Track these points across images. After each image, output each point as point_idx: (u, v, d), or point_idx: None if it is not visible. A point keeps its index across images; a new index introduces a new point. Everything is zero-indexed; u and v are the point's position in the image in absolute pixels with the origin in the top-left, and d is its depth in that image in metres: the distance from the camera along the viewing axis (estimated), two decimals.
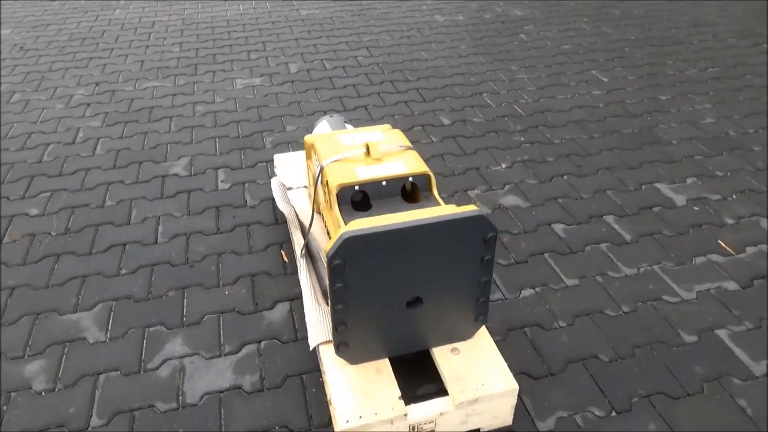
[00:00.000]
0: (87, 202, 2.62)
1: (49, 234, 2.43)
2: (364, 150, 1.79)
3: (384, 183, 1.70)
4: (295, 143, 3.07)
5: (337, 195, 1.67)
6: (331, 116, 2.39)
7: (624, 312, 2.01)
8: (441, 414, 1.52)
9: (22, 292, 2.13)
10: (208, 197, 2.64)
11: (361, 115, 3.36)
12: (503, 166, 2.85)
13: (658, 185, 2.69)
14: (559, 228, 2.41)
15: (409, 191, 1.79)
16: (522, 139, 3.09)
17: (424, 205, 1.70)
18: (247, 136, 3.15)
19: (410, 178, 1.72)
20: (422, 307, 1.56)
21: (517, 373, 1.79)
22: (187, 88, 3.70)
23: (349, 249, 1.39)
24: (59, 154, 3.00)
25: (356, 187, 1.68)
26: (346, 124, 2.33)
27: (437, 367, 1.64)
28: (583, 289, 2.11)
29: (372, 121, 3.28)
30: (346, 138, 1.90)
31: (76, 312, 2.04)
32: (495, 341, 1.87)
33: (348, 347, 1.57)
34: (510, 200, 2.60)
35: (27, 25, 4.91)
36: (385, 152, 1.80)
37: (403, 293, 1.52)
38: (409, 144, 1.87)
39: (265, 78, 3.85)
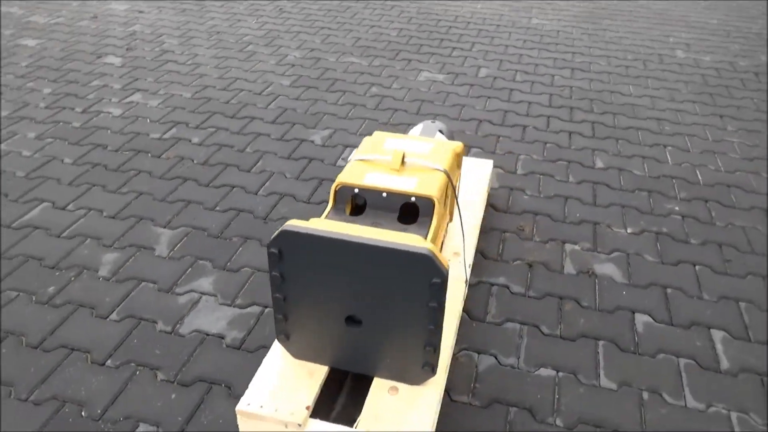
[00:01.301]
0: (233, 144, 3.01)
1: (192, 161, 2.87)
2: (391, 157, 1.72)
3: (384, 195, 1.62)
4: None
5: (335, 193, 1.65)
6: (432, 122, 2.32)
7: None
8: None
9: (144, 199, 2.58)
10: (321, 169, 2.81)
11: (513, 134, 3.16)
12: (628, 230, 2.43)
13: None
14: (641, 320, 1.99)
15: (411, 211, 1.67)
16: (676, 208, 2.57)
17: (409, 228, 1.58)
18: (394, 125, 3.23)
19: (413, 198, 1.61)
20: (362, 329, 1.48)
21: None
22: (376, 70, 3.91)
23: (285, 241, 1.38)
24: (243, 101, 3.48)
25: (356, 191, 1.64)
26: (439, 133, 2.25)
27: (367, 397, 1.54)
28: (616, 397, 1.72)
29: (519, 143, 3.07)
30: (391, 142, 1.85)
31: (164, 227, 2.40)
32: (472, 405, 1.68)
33: (288, 340, 1.57)
34: (607, 269, 2.21)
35: None
36: (411, 166, 1.70)
37: (341, 307, 1.46)
38: (446, 166, 1.74)
39: (450, 77, 3.85)
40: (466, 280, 1.89)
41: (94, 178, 2.72)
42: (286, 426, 1.46)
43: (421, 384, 1.54)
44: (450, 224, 2.12)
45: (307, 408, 1.49)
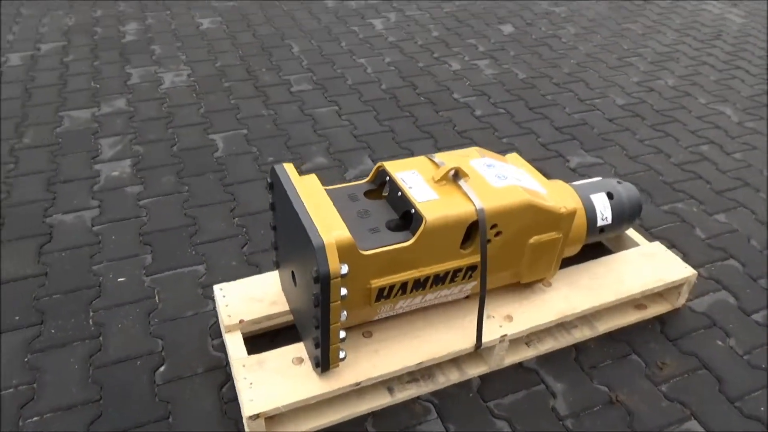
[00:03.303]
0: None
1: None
2: (444, 165, 1.55)
3: (399, 194, 1.52)
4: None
5: (376, 171, 1.63)
6: (619, 182, 1.89)
7: None
8: (227, 365, 1.58)
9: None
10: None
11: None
12: None
13: None
14: None
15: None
16: None
17: (383, 232, 1.46)
18: (602, 144, 2.62)
19: (413, 210, 1.46)
20: (297, 290, 1.53)
21: None
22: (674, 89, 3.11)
23: (274, 176, 1.53)
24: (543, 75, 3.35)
25: (387, 178, 1.58)
26: (603, 196, 1.82)
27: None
28: None
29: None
30: (481, 162, 1.64)
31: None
32: None
33: (278, 268, 1.74)
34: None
35: None
36: (462, 188, 1.51)
37: (290, 261, 1.54)
38: (490, 208, 1.47)
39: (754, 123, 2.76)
40: (477, 346, 1.61)
41: None
42: (222, 321, 1.69)
43: (318, 374, 1.51)
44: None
45: (241, 321, 1.66)
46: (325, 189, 1.60)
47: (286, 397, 1.46)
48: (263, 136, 2.89)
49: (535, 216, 1.55)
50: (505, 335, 1.66)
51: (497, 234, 1.53)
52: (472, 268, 1.55)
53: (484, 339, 1.64)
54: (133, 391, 1.65)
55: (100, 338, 1.81)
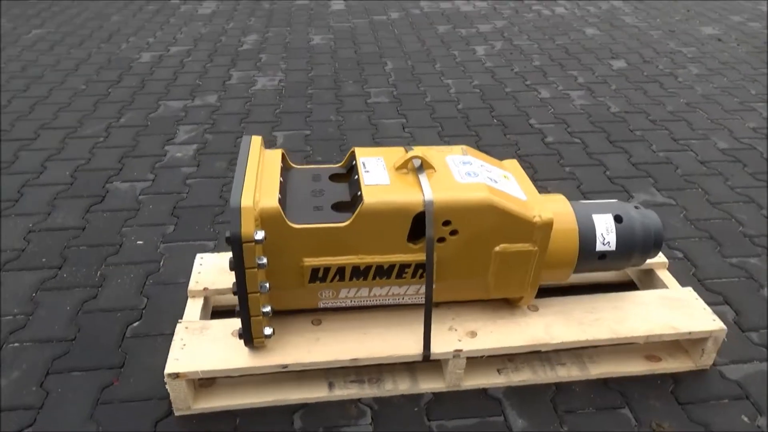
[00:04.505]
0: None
1: None
2: (411, 155, 1.45)
3: (356, 177, 1.45)
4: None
5: (349, 154, 1.57)
6: (636, 207, 1.65)
7: None
8: (183, 328, 1.60)
9: None
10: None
11: None
12: None
13: None
14: None
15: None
16: None
17: (326, 211, 1.40)
18: (681, 185, 2.21)
19: (359, 193, 1.38)
20: None
21: None
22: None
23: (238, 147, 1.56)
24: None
25: (353, 162, 1.52)
26: (609, 218, 1.59)
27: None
28: None
29: None
30: (456, 159, 1.51)
31: None
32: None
33: None
34: None
35: None
36: (414, 176, 1.41)
37: None
38: (439, 201, 1.35)
39: None
40: (425, 355, 1.47)
41: None
42: (188, 285, 1.73)
43: (249, 349, 1.48)
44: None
45: (204, 289, 1.69)
46: (294, 167, 1.59)
47: (210, 363, 1.45)
48: (322, 138, 2.96)
49: (500, 220, 1.40)
50: (460, 350, 1.49)
51: (453, 233, 1.40)
52: (423, 266, 1.43)
53: (437, 350, 1.49)
54: (102, 338, 1.75)
55: (99, 288, 1.95)
